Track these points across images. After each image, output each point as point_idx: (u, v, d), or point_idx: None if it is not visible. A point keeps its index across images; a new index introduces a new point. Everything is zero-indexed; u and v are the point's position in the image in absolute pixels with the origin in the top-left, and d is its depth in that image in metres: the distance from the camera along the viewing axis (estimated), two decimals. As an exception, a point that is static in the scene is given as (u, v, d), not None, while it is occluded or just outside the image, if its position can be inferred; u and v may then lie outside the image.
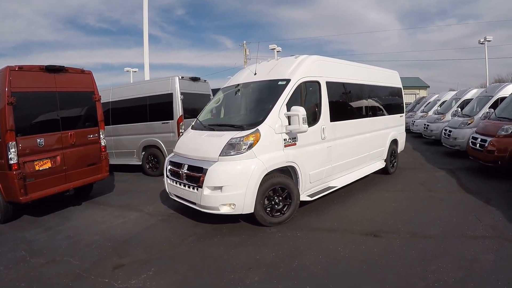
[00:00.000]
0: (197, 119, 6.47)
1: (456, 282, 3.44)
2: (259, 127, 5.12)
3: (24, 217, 6.34)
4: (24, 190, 5.73)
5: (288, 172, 5.56)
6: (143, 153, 10.10)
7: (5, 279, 3.99)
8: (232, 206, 4.91)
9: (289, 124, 5.25)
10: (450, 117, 12.98)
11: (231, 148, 5.01)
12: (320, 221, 5.44)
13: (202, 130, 5.94)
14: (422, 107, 19.24)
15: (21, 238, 5.30)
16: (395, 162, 8.92)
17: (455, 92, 16.58)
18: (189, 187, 5.27)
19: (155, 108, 9.69)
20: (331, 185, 6.33)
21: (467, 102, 13.19)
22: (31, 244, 5.03)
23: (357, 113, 7.35)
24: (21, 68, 5.86)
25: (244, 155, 4.96)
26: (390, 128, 8.63)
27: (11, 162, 5.59)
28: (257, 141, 5.02)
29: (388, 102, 8.85)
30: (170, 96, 9.38)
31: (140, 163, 10.22)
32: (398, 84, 9.42)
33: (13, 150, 5.60)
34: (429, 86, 49.48)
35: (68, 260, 4.41)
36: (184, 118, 9.26)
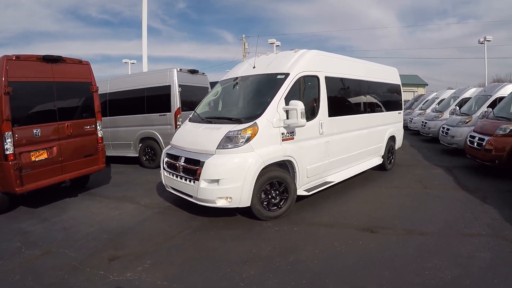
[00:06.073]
0: (195, 111, 6.43)
1: (453, 280, 3.44)
2: (257, 121, 5.10)
3: (20, 208, 6.30)
4: (20, 181, 5.69)
5: (285, 166, 5.54)
6: (140, 145, 10.07)
7: (0, 270, 3.96)
8: (228, 199, 4.89)
9: (287, 118, 5.22)
10: (448, 115, 13.03)
11: (228, 141, 4.99)
12: (317, 216, 5.44)
13: (199, 122, 5.91)
14: (420, 105, 19.26)
15: (16, 229, 5.26)
16: (392, 158, 8.94)
17: (454, 90, 16.64)
18: (185, 179, 5.25)
19: (153, 100, 9.65)
20: (328, 180, 6.33)
21: (465, 100, 13.22)
22: (26, 236, 5.00)
23: (356, 109, 7.33)
24: (18, 57, 5.78)
25: (242, 149, 4.94)
26: (388, 125, 8.63)
27: (7, 152, 5.54)
28: (255, 135, 5.00)
29: (387, 98, 8.85)
30: (168, 88, 9.34)
31: (137, 155, 10.18)
32: (397, 81, 9.42)
33: (9, 140, 5.55)
34: (427, 84, 49.64)
35: (64, 252, 4.39)
36: (182, 111, 9.23)
